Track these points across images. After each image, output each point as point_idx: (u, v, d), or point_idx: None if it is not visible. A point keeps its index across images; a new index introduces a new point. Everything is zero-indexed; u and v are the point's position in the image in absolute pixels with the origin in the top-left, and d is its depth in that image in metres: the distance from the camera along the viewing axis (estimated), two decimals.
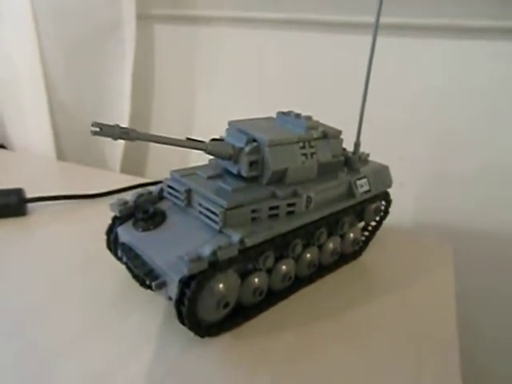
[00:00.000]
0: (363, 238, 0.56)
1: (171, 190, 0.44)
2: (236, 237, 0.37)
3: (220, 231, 0.39)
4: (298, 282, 0.47)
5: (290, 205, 0.42)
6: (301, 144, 0.44)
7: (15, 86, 0.87)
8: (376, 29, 0.46)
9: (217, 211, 0.38)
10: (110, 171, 0.91)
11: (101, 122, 0.34)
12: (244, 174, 0.42)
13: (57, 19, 0.82)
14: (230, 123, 0.46)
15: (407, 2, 0.67)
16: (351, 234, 0.52)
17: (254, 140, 0.42)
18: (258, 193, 0.41)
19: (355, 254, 0.55)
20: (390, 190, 0.55)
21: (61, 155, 0.93)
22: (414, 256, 0.58)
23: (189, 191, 0.42)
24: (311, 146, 0.44)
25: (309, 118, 0.46)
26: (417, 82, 0.73)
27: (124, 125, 0.86)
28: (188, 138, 0.41)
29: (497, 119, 0.69)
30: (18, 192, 0.62)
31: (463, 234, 0.74)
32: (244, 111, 0.80)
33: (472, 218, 0.74)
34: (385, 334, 0.43)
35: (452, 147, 0.73)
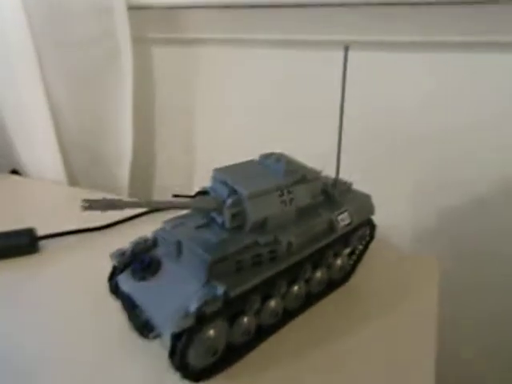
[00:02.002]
0: (351, 263, 0.59)
1: (164, 241, 0.48)
2: (220, 290, 0.41)
3: (207, 282, 0.42)
4: (287, 315, 0.51)
5: (271, 251, 0.45)
6: (279, 192, 0.47)
7: (24, 115, 0.92)
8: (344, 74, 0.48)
9: (202, 265, 0.42)
10: (120, 196, 0.95)
11: (88, 198, 0.38)
12: (227, 225, 0.45)
13: (58, 52, 0.86)
14: (214, 172, 0.49)
15: (386, 20, 0.69)
16: (338, 262, 0.55)
17: (236, 191, 0.45)
18: (241, 242, 0.44)
19: (343, 279, 0.58)
20: (379, 203, 0.57)
21: (71, 177, 0.98)
22: (401, 273, 0.61)
23: (178, 243, 0.46)
24: (289, 192, 0.47)
25: (289, 162, 0.49)
26: (401, 93, 0.75)
27: (128, 148, 0.91)
28: (174, 195, 0.45)
29: (483, 129, 0.71)
30: (30, 232, 0.66)
31: (452, 245, 0.76)
32: (244, 130, 0.83)
33: (460, 228, 0.77)
34: (373, 358, 0.47)
35: (442, 158, 0.75)
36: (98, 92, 0.91)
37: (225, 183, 0.46)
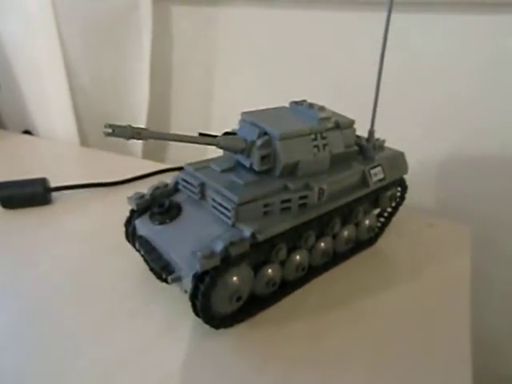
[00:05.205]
0: (379, 225, 0.56)
1: (185, 184, 0.45)
2: (248, 232, 0.38)
3: (233, 225, 0.39)
4: (313, 271, 0.48)
5: (302, 197, 0.42)
6: (313, 136, 0.44)
7: (37, 74, 0.89)
8: (390, 12, 0.45)
9: (229, 206, 0.39)
10: (132, 156, 0.92)
11: (113, 123, 0.35)
12: (256, 167, 0.42)
13: (74, 3, 0.83)
14: (243, 115, 0.46)
15: None
16: (366, 222, 0.52)
17: (266, 133, 0.42)
18: (270, 186, 0.42)
19: (371, 241, 0.55)
20: (409, 172, 0.54)
21: (84, 139, 0.95)
22: (430, 240, 0.58)
23: (202, 185, 0.43)
24: (323, 138, 0.44)
25: (322, 108, 0.46)
26: (439, 62, 0.71)
27: (144, 107, 0.89)
28: (201, 134, 0.42)
29: None
30: (43, 182, 0.64)
31: (483, 217, 0.73)
32: (263, 93, 0.81)
33: (492, 202, 0.73)
34: (397, 321, 0.44)
35: (473, 130, 0.72)
36: (114, 48, 0.88)
37: (254, 125, 0.43)
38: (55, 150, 0.89)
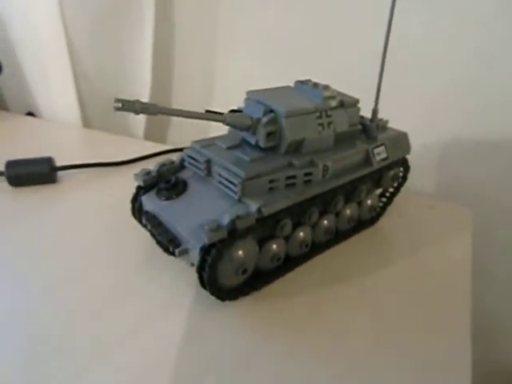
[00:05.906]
0: (381, 204, 0.57)
1: (192, 160, 0.46)
2: (254, 206, 0.39)
3: (239, 200, 0.40)
4: (315, 248, 0.49)
5: (306, 174, 0.43)
6: (317, 114, 0.44)
7: (41, 59, 0.89)
8: None
9: (235, 181, 0.40)
10: (134, 138, 0.93)
11: (123, 97, 0.36)
12: (262, 144, 0.43)
13: None
14: (248, 93, 0.46)
15: None
16: (368, 201, 0.53)
17: (272, 111, 0.43)
18: (275, 163, 0.42)
19: (372, 220, 0.56)
20: (411, 153, 0.55)
21: (86, 122, 0.95)
22: (431, 221, 0.59)
23: (208, 161, 0.44)
24: (328, 116, 0.45)
25: (326, 87, 0.47)
26: (442, 45, 0.71)
27: (146, 89, 0.88)
28: (207, 111, 0.43)
29: None
30: (49, 161, 0.64)
31: (483, 201, 0.74)
32: (267, 72, 0.80)
33: (493, 186, 0.74)
34: (397, 298, 0.45)
35: (477, 111, 0.72)
36: (117, 31, 0.88)
37: (260, 102, 0.44)
38: (58, 132, 0.89)
